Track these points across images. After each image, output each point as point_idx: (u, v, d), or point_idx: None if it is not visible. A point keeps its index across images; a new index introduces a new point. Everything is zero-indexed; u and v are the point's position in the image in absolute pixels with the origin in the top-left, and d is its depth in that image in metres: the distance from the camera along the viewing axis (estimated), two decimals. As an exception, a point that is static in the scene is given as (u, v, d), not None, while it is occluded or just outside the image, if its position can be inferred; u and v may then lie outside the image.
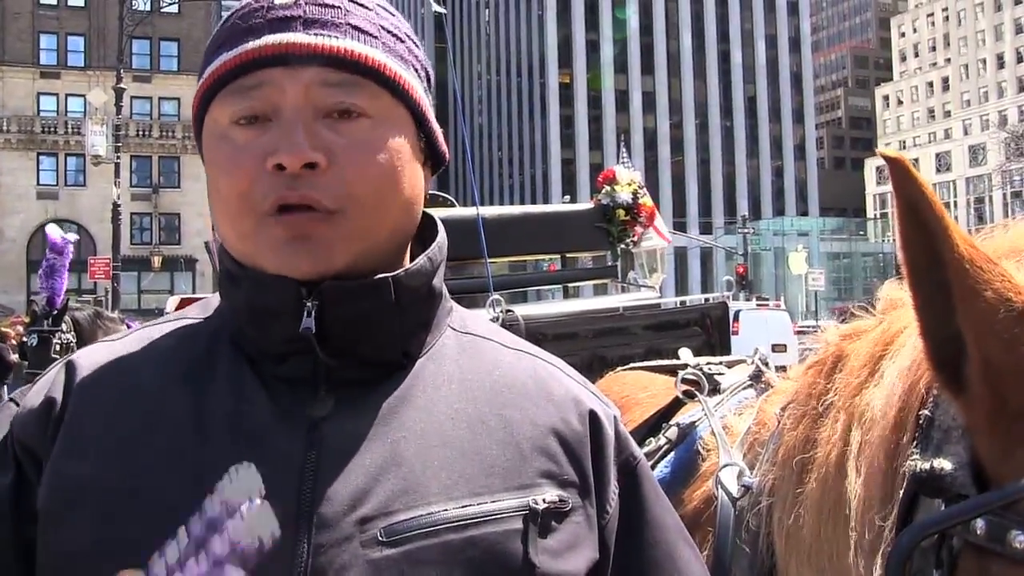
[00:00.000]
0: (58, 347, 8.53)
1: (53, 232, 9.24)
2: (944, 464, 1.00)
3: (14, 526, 1.13)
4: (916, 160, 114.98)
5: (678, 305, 6.67)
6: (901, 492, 1.07)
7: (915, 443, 1.08)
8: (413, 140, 1.23)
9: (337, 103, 1.15)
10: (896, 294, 1.43)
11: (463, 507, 1.11)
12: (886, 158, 0.93)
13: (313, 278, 1.14)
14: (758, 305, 28.67)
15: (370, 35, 1.20)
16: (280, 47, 1.15)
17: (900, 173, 0.94)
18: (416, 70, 1.25)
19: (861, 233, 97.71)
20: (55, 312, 8.90)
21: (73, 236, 9.71)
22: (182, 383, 1.17)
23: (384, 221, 1.18)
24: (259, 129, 1.15)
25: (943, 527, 0.96)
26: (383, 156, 1.16)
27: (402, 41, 1.24)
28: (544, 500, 1.14)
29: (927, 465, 1.01)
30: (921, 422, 1.09)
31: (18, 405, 1.21)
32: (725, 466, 1.85)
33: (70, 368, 1.20)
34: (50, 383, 1.20)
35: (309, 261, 1.13)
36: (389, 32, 1.23)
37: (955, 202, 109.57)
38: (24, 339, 9.48)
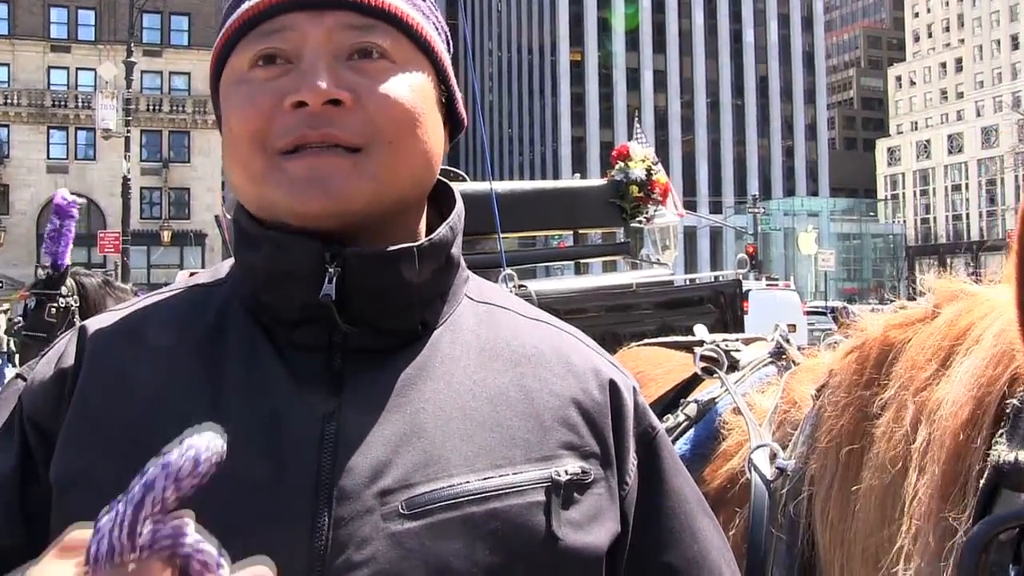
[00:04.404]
0: (54, 310, 8.42)
1: (62, 195, 9.15)
2: None
3: (22, 507, 1.10)
4: (928, 141, 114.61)
5: (690, 283, 6.62)
6: (980, 485, 1.02)
7: (1000, 434, 1.03)
8: (435, 91, 1.21)
9: (360, 42, 1.14)
10: (952, 286, 1.38)
11: (485, 479, 1.09)
12: None
13: (329, 215, 1.11)
14: (768, 285, 28.66)
15: None
16: None
17: None
18: (436, 28, 1.24)
19: (871, 214, 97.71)
20: (57, 275, 8.79)
21: (79, 199, 9.61)
22: (195, 351, 1.15)
23: (405, 163, 1.15)
24: (278, 69, 1.14)
25: (1021, 521, 0.91)
26: (407, 96, 1.15)
27: None
28: (566, 472, 1.12)
29: (1011, 456, 0.96)
30: (1008, 411, 1.04)
31: (25, 381, 1.17)
32: (758, 447, 1.81)
33: (81, 335, 1.18)
34: (60, 352, 1.17)
35: (323, 198, 1.10)
36: None
37: (966, 184, 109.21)
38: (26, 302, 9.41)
